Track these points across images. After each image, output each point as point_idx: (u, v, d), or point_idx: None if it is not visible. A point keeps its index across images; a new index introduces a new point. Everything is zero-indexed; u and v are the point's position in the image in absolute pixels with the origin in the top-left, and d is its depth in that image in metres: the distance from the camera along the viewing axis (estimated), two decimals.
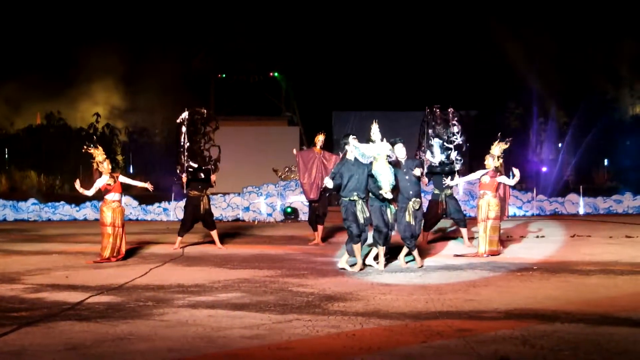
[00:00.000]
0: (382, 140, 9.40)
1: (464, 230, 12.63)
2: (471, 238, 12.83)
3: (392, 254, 10.02)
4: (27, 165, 30.38)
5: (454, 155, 12.67)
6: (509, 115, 32.20)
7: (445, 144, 12.71)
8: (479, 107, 31.05)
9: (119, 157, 31.52)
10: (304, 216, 20.31)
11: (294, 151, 14.03)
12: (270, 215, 22.46)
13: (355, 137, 9.56)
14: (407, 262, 9.91)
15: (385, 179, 9.28)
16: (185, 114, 13.00)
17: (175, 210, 22.85)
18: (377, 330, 5.80)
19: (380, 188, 9.32)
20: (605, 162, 30.39)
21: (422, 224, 10.40)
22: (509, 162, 11.86)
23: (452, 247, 12.55)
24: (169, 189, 22.72)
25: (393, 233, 9.83)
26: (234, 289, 8.05)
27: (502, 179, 11.12)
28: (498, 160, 11.06)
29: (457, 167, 12.61)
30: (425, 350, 5.13)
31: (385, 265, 9.67)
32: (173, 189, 22.30)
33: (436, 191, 12.65)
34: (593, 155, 29.87)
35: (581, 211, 22.98)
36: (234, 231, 17.01)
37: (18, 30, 31.42)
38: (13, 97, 32.14)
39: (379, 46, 32.24)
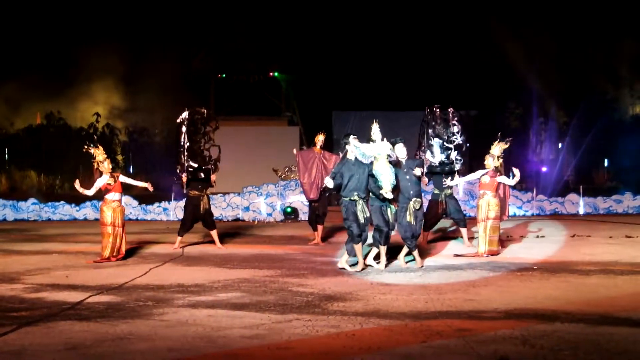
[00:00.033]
0: (382, 140, 9.40)
1: (463, 230, 12.64)
2: (471, 238, 12.83)
3: (392, 254, 10.02)
4: (27, 165, 30.37)
5: (453, 155, 12.67)
6: (508, 115, 32.19)
7: (445, 143, 12.71)
8: (478, 107, 31.04)
9: (119, 157, 31.51)
10: (303, 216, 20.31)
11: (294, 151, 14.03)
12: (270, 215, 22.46)
13: (355, 137, 9.56)
14: (407, 262, 9.91)
15: (386, 178, 9.28)
16: (185, 114, 13.01)
17: (175, 210, 22.85)
18: (377, 330, 5.81)
19: (380, 188, 9.32)
20: (605, 162, 30.38)
21: (422, 224, 10.39)
22: (509, 162, 11.86)
23: (452, 247, 12.55)
24: (169, 188, 22.72)
25: (393, 233, 9.83)
26: (234, 288, 8.05)
27: (502, 179, 11.11)
28: (498, 160, 11.06)
29: (457, 167, 12.61)
30: (425, 350, 5.13)
31: (386, 265, 9.66)
32: (173, 188, 22.31)
33: (436, 191, 12.65)
34: (593, 155, 29.87)
35: (581, 211, 22.99)
36: (234, 231, 17.02)
37: (18, 30, 31.41)
38: (13, 97, 32.12)
39: (379, 46, 32.24)
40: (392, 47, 32.13)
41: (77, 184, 10.80)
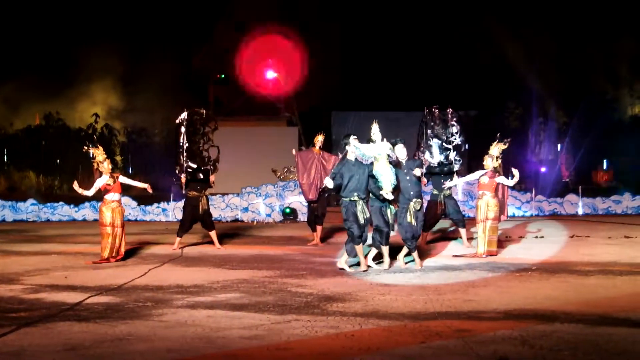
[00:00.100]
0: (382, 140, 9.39)
1: (462, 231, 12.64)
2: (470, 239, 12.83)
3: (391, 254, 10.00)
4: (26, 166, 30.37)
5: (452, 155, 12.67)
6: (508, 115, 32.21)
7: (444, 144, 12.72)
8: (478, 108, 31.05)
9: (118, 158, 31.52)
10: (302, 217, 20.33)
11: (293, 151, 14.03)
12: (269, 215, 22.47)
13: (356, 137, 9.56)
14: (406, 263, 9.91)
15: (387, 179, 9.27)
16: (184, 115, 13.01)
17: (174, 210, 22.86)
18: (376, 330, 5.80)
19: (380, 188, 9.31)
20: (605, 162, 30.41)
21: (423, 225, 10.37)
22: (508, 162, 11.85)
23: (451, 247, 12.55)
24: (167, 189, 22.75)
25: (393, 233, 9.83)
26: (233, 289, 8.05)
27: (501, 179, 11.11)
28: (497, 160, 11.06)
29: (456, 167, 12.61)
30: (424, 350, 5.13)
31: (390, 265, 9.66)
32: (172, 189, 22.34)
33: (435, 192, 12.66)
34: (592, 156, 29.89)
35: (580, 211, 23.01)
36: (233, 232, 17.02)
37: (17, 30, 31.42)
38: (12, 97, 32.14)
39: (379, 46, 32.27)
40: (391, 47, 32.16)
41: (75, 185, 10.79)
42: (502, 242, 12.52)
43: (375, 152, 9.32)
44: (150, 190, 11.67)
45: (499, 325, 5.88)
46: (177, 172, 12.90)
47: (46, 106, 32.71)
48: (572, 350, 5.07)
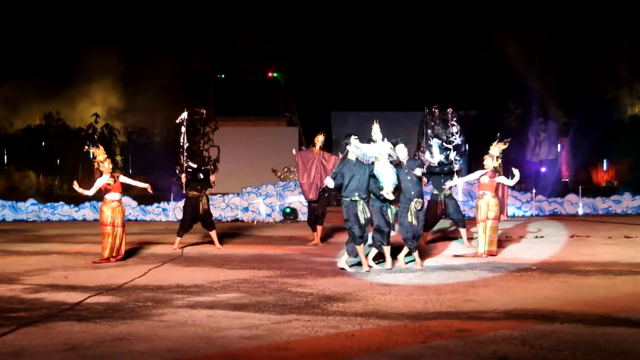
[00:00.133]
0: (383, 140, 9.39)
1: (463, 231, 12.64)
2: (470, 239, 12.83)
3: (392, 254, 9.99)
4: (26, 166, 30.38)
5: (453, 155, 12.67)
6: (508, 115, 32.20)
7: (444, 144, 12.72)
8: (478, 107, 31.05)
9: (118, 158, 31.52)
10: (303, 216, 20.33)
11: (294, 151, 14.03)
12: (269, 215, 22.48)
13: (356, 137, 9.56)
14: (406, 263, 9.91)
15: (388, 179, 9.27)
16: (184, 115, 13.02)
17: (174, 210, 22.86)
18: (376, 330, 5.80)
19: (381, 189, 9.31)
20: (605, 162, 30.42)
21: (423, 225, 10.36)
22: (508, 162, 11.85)
23: (451, 247, 12.55)
24: (168, 189, 22.75)
25: (394, 233, 9.83)
26: (233, 289, 8.05)
27: (502, 179, 11.11)
28: (497, 160, 11.06)
29: (456, 167, 12.62)
30: (424, 350, 5.13)
31: (392, 265, 9.66)
32: (172, 189, 22.35)
33: (435, 191, 12.66)
34: (592, 156, 29.89)
35: (580, 211, 23.02)
36: (233, 231, 17.02)
37: (17, 30, 31.42)
38: (12, 97, 32.13)
39: (378, 46, 32.26)
40: (391, 47, 32.15)
41: (75, 185, 10.80)
42: (502, 242, 12.53)
43: (376, 152, 9.32)
44: (150, 191, 11.67)
45: (499, 325, 5.88)
46: (177, 172, 12.91)
47: (46, 106, 32.71)
48: (572, 350, 5.07)
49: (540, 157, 30.73)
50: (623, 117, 31.87)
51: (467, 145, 13.05)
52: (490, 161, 10.96)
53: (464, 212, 14.28)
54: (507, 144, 11.22)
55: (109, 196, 10.86)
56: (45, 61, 31.21)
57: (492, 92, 30.59)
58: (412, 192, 9.68)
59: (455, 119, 12.90)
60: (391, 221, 9.63)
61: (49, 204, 23.94)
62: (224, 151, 13.47)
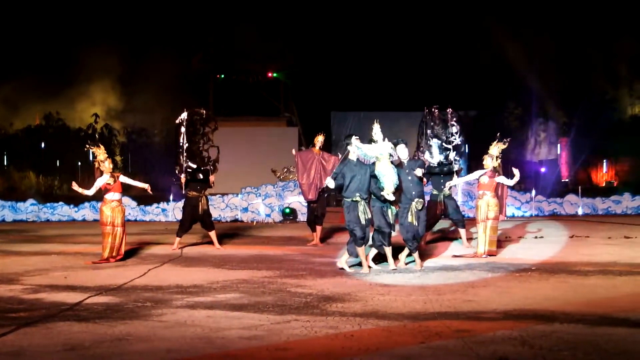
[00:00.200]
0: (384, 140, 9.39)
1: (462, 231, 12.64)
2: (470, 239, 12.83)
3: (393, 255, 9.99)
4: (26, 166, 30.37)
5: (452, 155, 12.68)
6: (508, 115, 32.19)
7: (443, 144, 12.72)
8: (478, 107, 31.04)
9: (118, 158, 31.51)
10: (302, 217, 20.34)
11: (293, 152, 14.04)
12: (268, 215, 22.47)
13: (357, 137, 9.56)
14: (407, 263, 9.91)
15: (389, 179, 9.27)
16: (184, 115, 13.02)
17: (173, 210, 22.86)
18: (376, 330, 5.80)
19: (381, 189, 9.31)
20: (604, 162, 30.42)
21: (425, 226, 10.32)
22: (508, 162, 11.86)
23: (451, 247, 12.56)
24: (167, 189, 22.75)
25: (394, 233, 9.83)
26: (233, 289, 8.05)
27: (501, 179, 11.11)
28: (496, 160, 11.06)
29: (456, 167, 12.62)
30: (423, 350, 5.13)
31: (394, 265, 9.66)
32: (172, 189, 22.34)
33: (435, 192, 12.66)
34: (592, 156, 29.89)
35: (580, 212, 23.02)
36: (233, 232, 17.02)
37: (16, 30, 31.41)
38: (12, 97, 32.13)
39: (378, 46, 32.24)
40: (390, 47, 32.13)
41: (74, 185, 10.80)
42: (502, 242, 12.53)
43: (377, 152, 9.31)
44: (150, 191, 11.67)
45: (498, 326, 5.88)
46: (177, 172, 12.91)
47: (46, 106, 32.70)
48: (571, 350, 5.07)
49: (540, 157, 30.72)
50: (623, 117, 31.86)
51: (466, 146, 13.05)
52: (490, 161, 10.96)
53: (463, 213, 14.28)
54: (507, 143, 11.23)
55: (108, 196, 10.86)
56: (45, 61, 31.20)
57: (492, 92, 30.58)
58: (413, 192, 9.68)
59: (454, 119, 12.90)
60: (392, 222, 9.63)
61: (48, 204, 23.95)
62: (224, 151, 13.47)
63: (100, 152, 10.90)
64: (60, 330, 5.90)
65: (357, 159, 9.47)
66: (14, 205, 23.75)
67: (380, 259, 9.96)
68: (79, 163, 28.08)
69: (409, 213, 9.67)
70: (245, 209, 22.74)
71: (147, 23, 31.15)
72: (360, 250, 9.40)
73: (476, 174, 11.23)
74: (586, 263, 10.04)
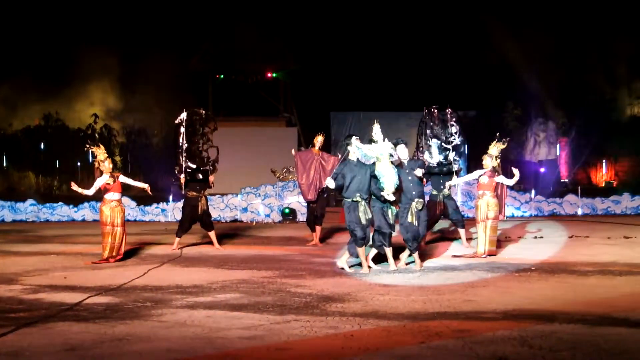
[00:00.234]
0: (384, 140, 9.39)
1: (462, 231, 12.64)
2: (469, 239, 12.83)
3: (394, 255, 10.00)
4: (25, 166, 30.33)
5: (452, 155, 12.68)
6: (507, 115, 32.19)
7: (443, 144, 12.72)
8: (477, 108, 31.03)
9: (117, 158, 31.48)
10: (302, 217, 20.33)
11: (293, 152, 14.03)
12: (268, 216, 22.45)
13: (357, 137, 9.56)
14: (407, 264, 9.91)
15: (389, 179, 9.27)
16: (183, 115, 13.01)
17: (173, 211, 22.84)
18: (375, 330, 5.80)
19: (381, 189, 9.31)
20: (604, 162, 30.41)
21: (426, 226, 10.31)
22: (508, 162, 11.87)
23: (451, 248, 12.56)
24: (167, 189, 22.72)
25: (395, 234, 9.83)
26: (232, 289, 8.05)
27: (501, 179, 11.12)
28: (496, 160, 11.07)
29: (455, 167, 12.62)
30: (423, 350, 5.13)
31: (395, 265, 9.66)
32: (171, 189, 22.32)
33: (434, 192, 12.67)
34: (591, 156, 29.88)
35: (579, 212, 23.00)
36: (232, 232, 17.01)
37: (16, 30, 31.38)
38: (11, 98, 32.10)
39: (378, 47, 32.22)
40: (390, 47, 32.11)
41: (74, 185, 10.80)
42: (502, 242, 12.53)
43: (377, 152, 9.31)
44: (149, 192, 11.67)
45: (498, 326, 5.88)
46: (176, 172, 12.90)
47: (45, 107, 32.66)
48: (571, 350, 5.07)
49: (539, 158, 30.70)
50: (622, 117, 31.86)
51: (466, 146, 13.05)
52: (489, 161, 10.97)
53: (463, 213, 14.28)
54: (506, 143, 11.23)
55: (108, 196, 10.86)
56: (44, 62, 31.16)
57: (492, 92, 30.56)
58: (413, 192, 9.68)
59: (454, 119, 12.90)
60: (392, 222, 9.63)
61: (48, 205, 23.92)
62: (223, 151, 13.47)
63: (100, 152, 10.90)
64: (60, 331, 5.90)
65: (357, 159, 9.46)
66: (14, 206, 23.71)
67: (380, 259, 9.96)
68: (79, 163, 28.04)
69: (409, 213, 9.67)
70: (245, 209, 22.72)
71: (146, 23, 31.11)
72: (360, 250, 9.40)
73: (476, 173, 11.23)
74: (586, 263, 10.05)
